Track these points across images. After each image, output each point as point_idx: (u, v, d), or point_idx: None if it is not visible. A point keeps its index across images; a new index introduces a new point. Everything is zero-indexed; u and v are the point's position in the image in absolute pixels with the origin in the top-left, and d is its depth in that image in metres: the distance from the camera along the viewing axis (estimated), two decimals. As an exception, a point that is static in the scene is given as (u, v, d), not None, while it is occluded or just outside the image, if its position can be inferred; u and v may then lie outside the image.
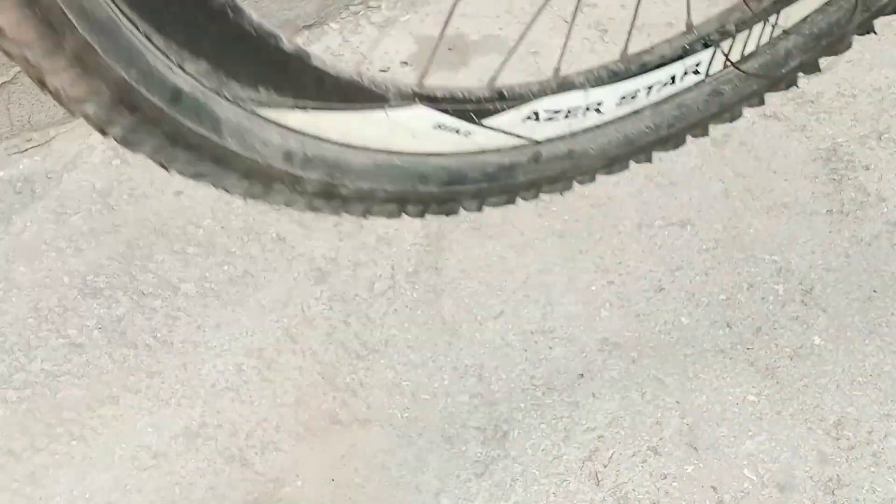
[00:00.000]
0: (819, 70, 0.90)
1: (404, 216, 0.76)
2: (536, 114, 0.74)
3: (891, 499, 1.03)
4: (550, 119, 0.75)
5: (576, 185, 0.84)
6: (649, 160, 0.86)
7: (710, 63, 0.81)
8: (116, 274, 1.15)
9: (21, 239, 1.18)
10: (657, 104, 0.81)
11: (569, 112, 0.76)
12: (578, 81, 0.75)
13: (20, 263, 1.15)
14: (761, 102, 0.89)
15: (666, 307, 1.16)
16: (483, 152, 0.74)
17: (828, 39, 0.86)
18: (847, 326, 1.14)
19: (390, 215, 0.75)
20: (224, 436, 1.05)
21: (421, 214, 0.76)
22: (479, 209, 0.79)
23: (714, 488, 1.03)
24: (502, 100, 0.72)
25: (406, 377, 1.10)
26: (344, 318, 1.14)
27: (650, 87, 0.79)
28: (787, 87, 0.89)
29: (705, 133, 0.87)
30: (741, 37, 0.81)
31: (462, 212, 0.79)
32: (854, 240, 1.21)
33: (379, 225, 1.20)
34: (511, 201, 0.80)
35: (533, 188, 0.80)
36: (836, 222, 1.23)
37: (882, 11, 0.89)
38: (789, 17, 0.83)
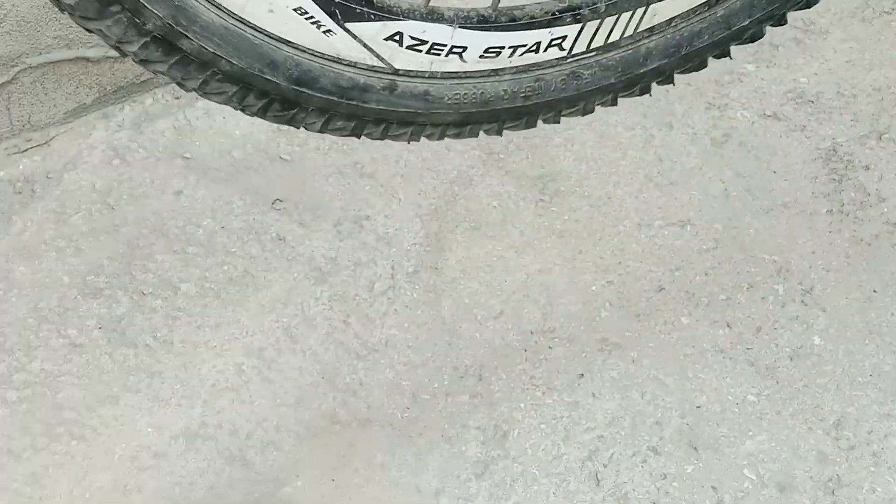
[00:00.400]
0: (673, 83, 0.90)
1: (244, 110, 0.73)
2: (400, 35, 0.74)
3: (891, 499, 1.03)
4: (413, 48, 0.75)
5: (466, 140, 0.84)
6: (499, 133, 0.86)
7: (576, 41, 0.82)
8: (116, 274, 1.15)
9: (21, 239, 1.18)
10: (518, 70, 0.82)
11: (432, 47, 0.76)
12: (447, 15, 0.76)
13: (20, 263, 1.15)
14: (614, 103, 0.90)
15: (666, 307, 1.16)
16: (339, 61, 0.73)
17: (687, 49, 0.87)
18: (847, 326, 1.14)
19: (228, 100, 0.72)
20: (224, 436, 1.05)
21: (262, 112, 0.74)
22: (323, 129, 0.78)
23: (714, 488, 1.03)
24: (370, 5, 0.71)
25: (406, 377, 1.10)
26: (344, 318, 1.14)
27: (514, 49, 0.80)
28: (642, 92, 0.90)
29: (557, 120, 0.88)
30: (609, 21, 0.81)
31: (303, 130, 0.77)
32: (854, 240, 1.21)
33: (379, 225, 1.20)
34: (356, 133, 0.79)
35: (382, 124, 0.79)
36: (836, 222, 1.23)
37: (739, 37, 0.90)
38: (656, 14, 0.84)
